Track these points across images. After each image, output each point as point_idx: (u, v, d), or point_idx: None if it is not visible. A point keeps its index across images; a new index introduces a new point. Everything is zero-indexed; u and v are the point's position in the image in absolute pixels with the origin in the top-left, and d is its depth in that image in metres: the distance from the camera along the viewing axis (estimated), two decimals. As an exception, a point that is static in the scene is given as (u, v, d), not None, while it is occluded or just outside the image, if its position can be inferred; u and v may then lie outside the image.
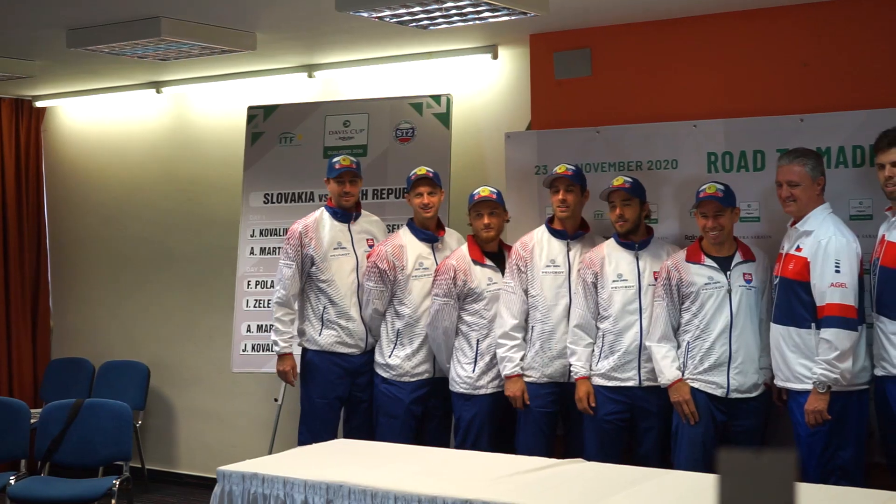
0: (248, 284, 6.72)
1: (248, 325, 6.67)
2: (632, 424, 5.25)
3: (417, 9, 4.91)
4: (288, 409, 6.54)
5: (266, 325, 6.52)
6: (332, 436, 5.65)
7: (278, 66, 7.01)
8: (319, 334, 5.77)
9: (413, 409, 5.67)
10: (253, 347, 6.64)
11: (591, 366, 5.27)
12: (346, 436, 5.77)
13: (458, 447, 5.49)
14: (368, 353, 5.81)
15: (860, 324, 4.71)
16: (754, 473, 1.22)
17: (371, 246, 5.83)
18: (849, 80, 5.28)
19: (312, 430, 5.76)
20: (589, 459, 4.76)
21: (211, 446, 7.66)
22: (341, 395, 5.84)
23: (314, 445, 5.13)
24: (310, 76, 7.02)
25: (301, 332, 5.88)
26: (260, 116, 6.84)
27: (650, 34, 5.77)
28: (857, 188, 5.11)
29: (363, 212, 5.97)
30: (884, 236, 4.72)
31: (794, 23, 5.40)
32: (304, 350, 5.88)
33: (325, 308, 5.77)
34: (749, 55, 5.52)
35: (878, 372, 4.71)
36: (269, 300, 6.59)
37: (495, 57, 6.41)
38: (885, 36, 5.21)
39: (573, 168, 5.39)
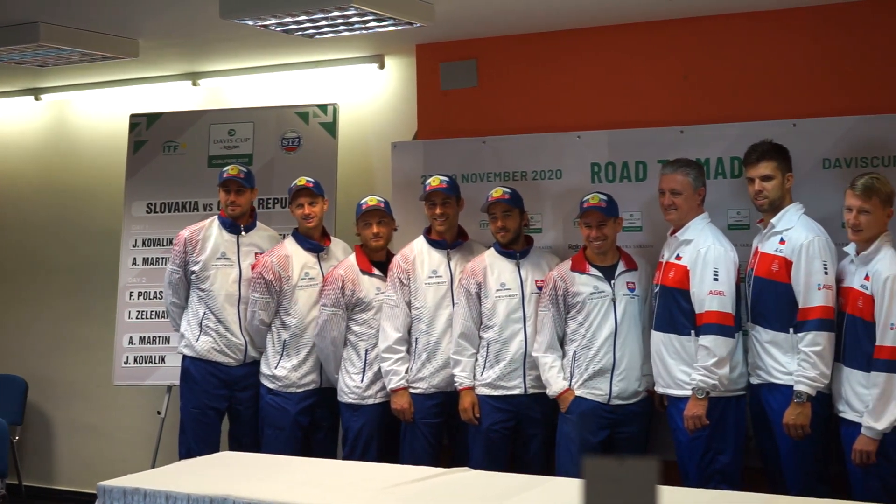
0: (131, 296, 6.59)
1: (131, 337, 6.54)
2: (517, 432, 5.29)
3: (303, 18, 4.88)
4: (172, 423, 6.42)
5: (149, 337, 6.42)
6: (212, 448, 5.57)
7: (162, 73, 6.90)
8: (197, 339, 5.71)
9: (300, 420, 5.62)
10: (135, 360, 6.51)
11: (475, 376, 5.29)
12: (231, 449, 5.69)
13: (345, 458, 5.47)
14: (248, 366, 5.75)
15: (737, 331, 4.83)
16: (618, 480, 1.24)
17: (259, 260, 5.78)
18: (728, 93, 5.41)
19: (187, 442, 5.71)
20: (475, 468, 4.77)
21: (92, 461, 7.47)
22: (218, 407, 5.77)
23: (198, 459, 5.04)
24: (194, 84, 6.94)
25: (182, 336, 5.81)
26: (143, 124, 6.71)
27: (536, 46, 5.84)
28: (734, 198, 5.24)
29: (259, 224, 5.91)
30: (757, 248, 4.85)
31: (676, 36, 5.52)
32: (183, 357, 5.81)
33: (204, 314, 5.70)
34: (632, 68, 5.63)
35: (754, 380, 4.83)
36: (152, 311, 6.48)
37: (382, 67, 6.42)
38: (761, 51, 5.36)
39: (447, 180, 5.42)
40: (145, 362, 6.48)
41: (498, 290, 5.25)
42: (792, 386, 4.60)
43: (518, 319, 5.24)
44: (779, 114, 5.22)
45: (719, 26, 5.42)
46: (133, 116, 6.78)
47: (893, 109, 5.03)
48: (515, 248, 5.32)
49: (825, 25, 5.22)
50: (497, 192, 5.25)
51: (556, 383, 5.10)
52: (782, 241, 4.71)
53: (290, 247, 5.66)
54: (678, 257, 4.90)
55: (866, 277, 4.48)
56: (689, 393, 4.80)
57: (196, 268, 5.71)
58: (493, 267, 5.29)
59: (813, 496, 4.33)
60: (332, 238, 5.82)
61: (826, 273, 4.59)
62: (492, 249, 5.36)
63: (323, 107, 6.42)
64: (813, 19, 5.24)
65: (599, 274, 5.10)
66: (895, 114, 5.02)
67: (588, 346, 5.06)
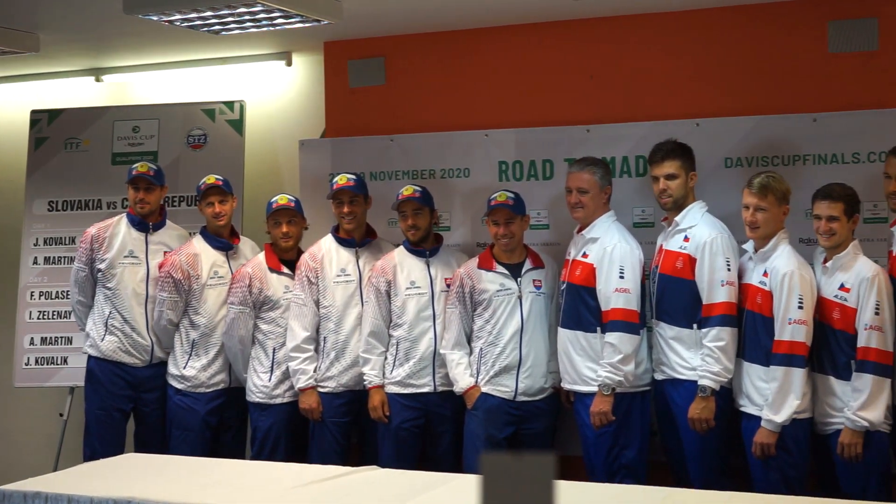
0: (32, 296, 6.46)
1: (32, 338, 6.40)
2: (427, 430, 5.30)
3: (209, 13, 4.82)
4: (75, 425, 6.30)
5: (51, 338, 6.29)
6: (117, 451, 5.48)
7: (64, 68, 6.77)
8: (102, 339, 5.61)
9: (209, 421, 5.56)
10: (37, 361, 6.38)
11: (384, 374, 5.29)
12: (137, 450, 5.60)
13: (254, 458, 5.42)
14: (155, 367, 5.67)
15: (642, 328, 4.90)
16: (515, 475, 1.25)
17: (169, 259, 5.70)
18: (633, 93, 5.49)
19: (92, 444, 5.62)
20: (384, 466, 4.77)
21: (-8, 465, 7.30)
22: (123, 408, 5.69)
23: (102, 461, 4.95)
24: (97, 80, 6.82)
25: (87, 335, 5.71)
26: (44, 121, 6.58)
27: (444, 44, 5.86)
28: (640, 197, 5.33)
29: (169, 223, 5.82)
30: (662, 245, 4.93)
31: (582, 37, 5.58)
32: (88, 357, 5.71)
33: (110, 313, 5.61)
34: (539, 67, 5.68)
35: (658, 376, 4.91)
36: (54, 312, 6.35)
37: (289, 64, 6.38)
38: (666, 51, 5.45)
39: (355, 178, 5.41)
40: (47, 363, 6.35)
41: (408, 289, 5.26)
42: (695, 381, 4.69)
43: (428, 317, 5.25)
44: (683, 114, 5.31)
45: (625, 27, 5.50)
46: (34, 112, 6.64)
47: (792, 110, 5.16)
48: (425, 246, 5.33)
49: (728, 27, 5.33)
50: (408, 191, 5.26)
51: (462, 380, 5.12)
52: (686, 239, 4.79)
53: (199, 245, 5.59)
54: (584, 255, 4.96)
55: (765, 274, 4.59)
56: (594, 389, 4.86)
57: (102, 266, 5.61)
58: (403, 265, 5.30)
59: (715, 489, 4.42)
60: (241, 237, 5.78)
61: (729, 270, 4.69)
62: (401, 247, 5.37)
63: (230, 104, 6.37)
64: (716, 21, 5.34)
65: (506, 271, 5.13)
66: (794, 114, 5.15)
67: (494, 342, 5.10)
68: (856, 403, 4.40)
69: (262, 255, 5.52)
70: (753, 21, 5.28)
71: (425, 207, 5.28)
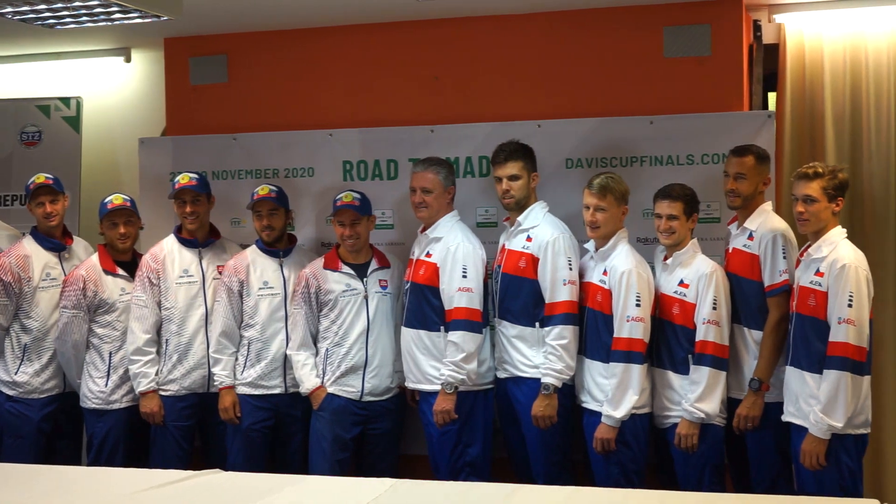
0: None
1: None
2: (277, 431, 5.26)
3: (42, 6, 4.66)
4: None
5: None
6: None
7: None
8: None
9: (43, 427, 5.39)
10: None
11: (235, 375, 5.22)
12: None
13: (91, 464, 5.29)
14: (-15, 373, 5.47)
15: (485, 326, 4.96)
16: None
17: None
18: (477, 94, 5.55)
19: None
20: (233, 469, 4.73)
21: None
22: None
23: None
24: (-77, 73, 6.55)
25: None
26: None
27: (288, 42, 5.81)
28: (483, 197, 5.39)
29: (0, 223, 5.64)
30: (504, 244, 5.00)
31: (427, 37, 5.62)
32: None
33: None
34: (384, 67, 5.69)
35: (501, 374, 4.98)
36: None
37: (128, 60, 6.26)
38: (509, 53, 5.52)
39: (197, 177, 5.32)
40: None
41: (260, 289, 5.20)
42: (538, 379, 4.77)
43: (280, 318, 5.21)
44: (525, 115, 5.40)
45: (469, 28, 5.55)
46: None
47: (630, 112, 5.30)
48: (279, 246, 5.28)
49: (569, 31, 5.44)
50: (263, 190, 5.21)
51: (308, 381, 5.10)
52: (529, 239, 4.87)
53: (30, 246, 5.40)
54: (428, 255, 4.99)
55: (604, 273, 4.71)
56: (438, 388, 4.89)
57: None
58: (256, 265, 5.24)
59: (558, 483, 4.51)
60: (75, 237, 5.60)
61: (570, 269, 4.79)
62: (254, 247, 5.31)
63: (66, 100, 6.22)
64: (558, 25, 5.44)
65: (352, 272, 5.12)
66: (632, 117, 5.28)
67: (340, 343, 5.08)
68: (693, 395, 4.55)
69: (95, 257, 5.37)
70: (593, 25, 5.40)
71: (281, 208, 5.24)
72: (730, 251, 4.79)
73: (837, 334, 4.22)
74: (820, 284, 4.30)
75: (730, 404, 4.64)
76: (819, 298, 4.30)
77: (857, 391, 4.23)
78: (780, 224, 4.66)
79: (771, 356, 4.56)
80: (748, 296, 4.64)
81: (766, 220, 4.66)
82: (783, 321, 4.51)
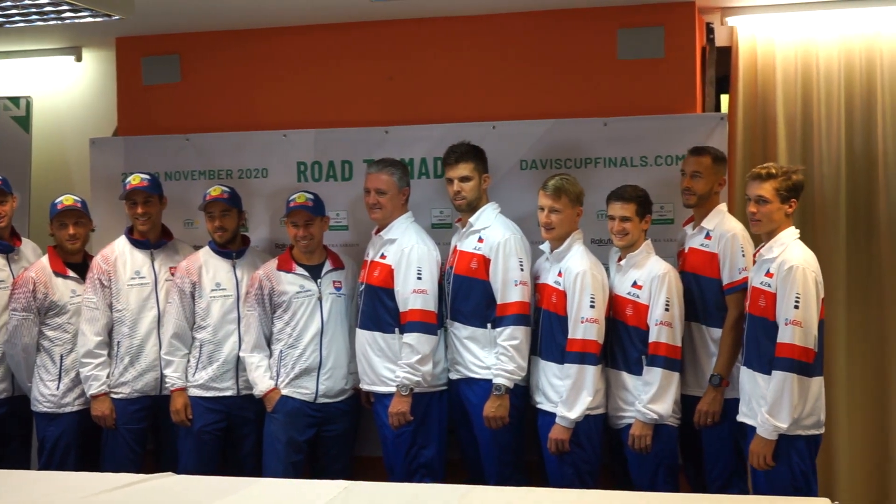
0: None
1: None
2: (229, 433, 5.23)
3: (-9, 5, 4.62)
4: None
5: None
6: None
7: None
8: None
9: (-9, 432, 5.33)
10: None
11: (187, 377, 5.18)
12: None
13: (42, 468, 5.23)
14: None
15: (440, 328, 4.96)
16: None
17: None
18: (431, 95, 5.55)
19: None
20: (185, 472, 4.70)
21: None
22: None
23: None
24: None
25: None
26: None
27: (242, 42, 5.78)
28: (438, 198, 5.39)
29: None
30: (456, 246, 5.00)
31: (381, 38, 5.60)
32: None
33: None
34: (338, 68, 5.67)
35: (453, 375, 4.98)
36: None
37: (79, 59, 6.20)
38: (463, 54, 5.53)
39: (148, 178, 5.28)
40: None
41: (213, 290, 5.17)
42: (489, 380, 4.78)
43: (233, 320, 5.17)
44: (479, 116, 5.40)
45: (423, 30, 5.55)
46: None
47: (584, 114, 5.32)
48: (232, 248, 5.24)
49: (523, 32, 5.45)
50: (215, 191, 5.18)
51: (262, 383, 5.07)
52: (480, 240, 4.87)
53: (-23, 248, 5.34)
54: (383, 256, 4.98)
55: (559, 274, 4.72)
56: (393, 390, 4.89)
57: None
58: (209, 266, 5.21)
59: (510, 484, 4.53)
60: (23, 239, 5.54)
61: (522, 270, 4.80)
62: (207, 248, 5.27)
63: (15, 100, 6.16)
64: (511, 26, 5.45)
65: (306, 273, 5.10)
66: (586, 118, 5.30)
67: (294, 345, 5.06)
68: (646, 396, 4.57)
69: (45, 259, 5.31)
70: (547, 27, 5.41)
71: (233, 209, 5.21)
72: (686, 251, 4.82)
73: (784, 335, 4.26)
74: (769, 285, 4.33)
75: (689, 402, 4.68)
76: (768, 299, 4.33)
77: (803, 392, 4.26)
78: (736, 224, 4.71)
79: (730, 352, 4.60)
80: (707, 294, 4.68)
81: (723, 221, 4.71)
82: (742, 319, 4.55)
